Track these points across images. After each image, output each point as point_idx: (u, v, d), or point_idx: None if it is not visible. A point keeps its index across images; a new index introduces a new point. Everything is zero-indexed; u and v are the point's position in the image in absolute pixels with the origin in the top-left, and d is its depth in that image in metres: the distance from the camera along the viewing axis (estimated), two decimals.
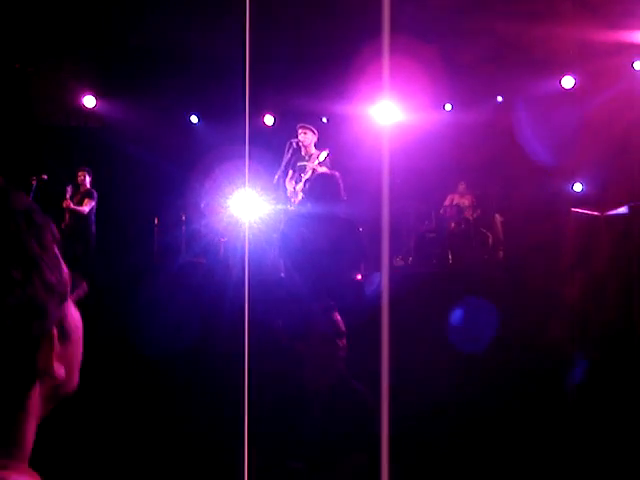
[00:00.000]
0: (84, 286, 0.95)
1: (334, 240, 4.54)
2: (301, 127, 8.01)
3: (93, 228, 9.40)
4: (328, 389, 3.28)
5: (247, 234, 8.08)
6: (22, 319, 0.79)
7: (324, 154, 7.72)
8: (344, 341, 3.46)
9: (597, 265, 3.58)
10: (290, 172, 7.94)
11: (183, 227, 10.29)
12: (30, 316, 0.80)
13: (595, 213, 3.88)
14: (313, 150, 7.95)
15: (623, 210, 3.65)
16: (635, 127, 8.41)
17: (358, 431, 2.97)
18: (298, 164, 7.94)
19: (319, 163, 7.66)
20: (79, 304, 0.95)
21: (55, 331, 0.85)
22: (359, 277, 5.26)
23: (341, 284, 4.45)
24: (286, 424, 3.22)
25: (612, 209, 4.06)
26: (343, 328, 3.51)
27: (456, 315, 4.82)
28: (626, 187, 7.91)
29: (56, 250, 0.87)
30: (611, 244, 3.57)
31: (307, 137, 7.94)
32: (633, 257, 3.29)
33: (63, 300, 0.87)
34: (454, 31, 8.78)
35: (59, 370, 0.86)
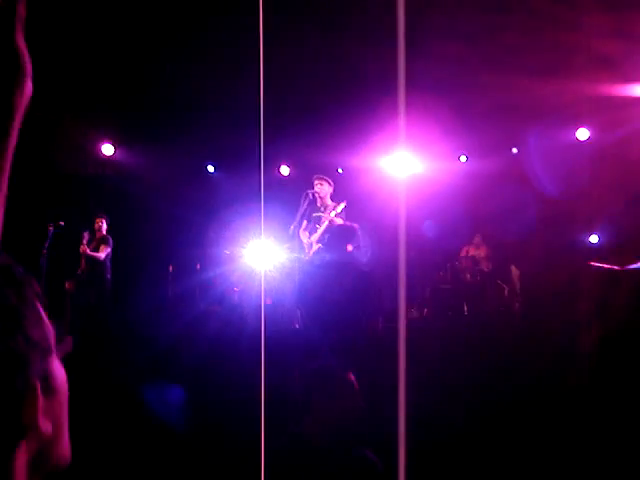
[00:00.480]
0: (69, 341, 0.94)
1: (351, 291, 4.53)
2: (317, 178, 8.07)
3: (108, 274, 9.44)
4: (338, 451, 3.23)
5: (262, 283, 8.07)
6: (4, 372, 0.78)
7: (342, 206, 7.75)
8: (357, 400, 3.43)
9: (614, 316, 3.55)
10: (305, 222, 7.96)
11: (197, 276, 10.30)
12: (12, 369, 0.79)
13: (614, 267, 3.86)
14: (329, 201, 7.98)
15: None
16: None
17: None
18: (313, 215, 7.96)
19: (336, 214, 7.69)
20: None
21: (39, 385, 0.83)
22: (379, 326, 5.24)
23: (358, 334, 4.42)
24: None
25: (628, 261, 4.03)
26: (357, 387, 3.48)
27: None
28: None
29: (38, 305, 0.86)
30: (628, 296, 3.54)
31: (323, 188, 7.98)
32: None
33: (46, 354, 0.86)
34: (469, 84, 8.86)
35: (45, 425, 0.84)
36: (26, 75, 1.11)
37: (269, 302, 5.82)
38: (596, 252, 9.79)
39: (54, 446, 0.87)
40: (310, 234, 7.88)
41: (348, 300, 4.50)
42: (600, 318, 3.83)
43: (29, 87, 1.12)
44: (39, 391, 0.83)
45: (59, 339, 0.90)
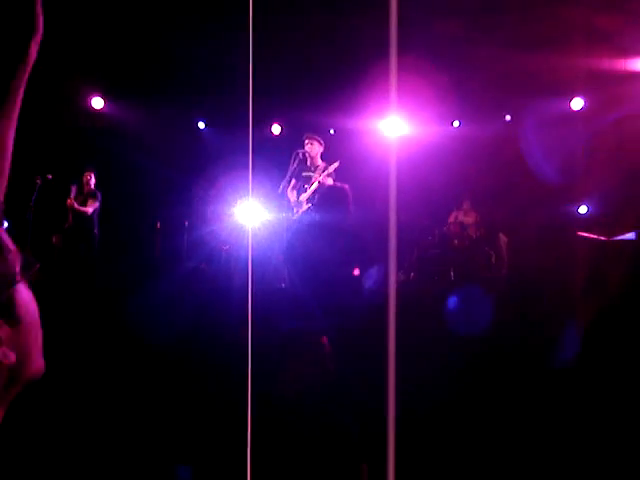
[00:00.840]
0: (36, 267, 0.91)
1: (340, 251, 4.53)
2: (307, 137, 8.00)
3: (96, 229, 9.39)
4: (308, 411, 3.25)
5: (250, 242, 8.06)
6: None
7: (334, 166, 7.70)
8: (325, 364, 3.44)
9: (608, 289, 3.57)
10: (293, 181, 7.92)
11: (185, 233, 10.27)
12: None
13: (602, 238, 3.86)
14: (319, 161, 7.93)
15: (630, 236, 3.63)
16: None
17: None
18: (303, 174, 7.92)
19: (328, 174, 7.64)
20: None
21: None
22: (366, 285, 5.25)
23: (345, 293, 4.43)
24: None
25: (618, 233, 4.03)
26: (328, 350, 3.49)
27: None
28: (632, 210, 7.91)
29: (1, 232, 0.85)
30: (622, 266, 3.55)
31: (313, 148, 7.92)
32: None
33: (10, 282, 0.85)
34: (463, 54, 8.80)
35: (10, 355, 0.84)
36: (38, 35, 1.17)
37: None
38: (585, 222, 9.84)
39: (23, 369, 0.87)
40: (299, 193, 7.84)
41: (337, 260, 4.50)
42: (594, 289, 3.85)
43: (35, 50, 1.17)
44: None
45: (26, 267, 0.88)
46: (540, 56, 8.32)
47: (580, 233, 4.27)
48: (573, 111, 10.18)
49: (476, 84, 9.75)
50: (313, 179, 7.75)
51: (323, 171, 7.72)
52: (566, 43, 8.02)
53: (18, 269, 0.87)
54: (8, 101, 1.11)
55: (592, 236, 4.14)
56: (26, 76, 1.13)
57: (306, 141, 7.96)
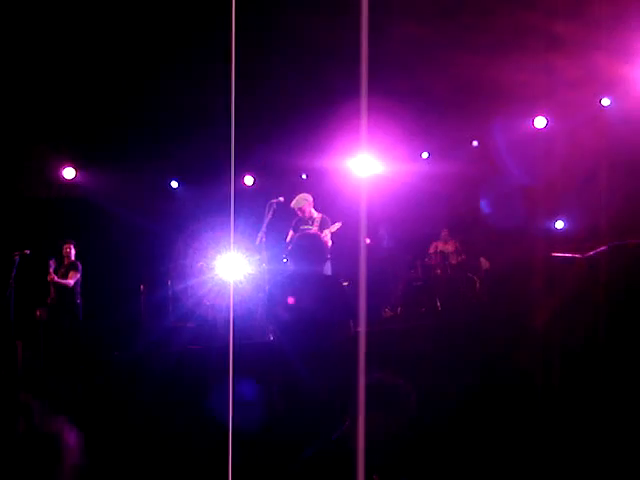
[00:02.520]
0: None
1: (321, 299, 4.54)
2: (297, 208, 8.12)
3: (78, 299, 9.35)
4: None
5: (232, 296, 8.06)
6: None
7: (337, 226, 7.86)
8: None
9: (565, 294, 3.61)
10: (291, 233, 8.05)
11: (170, 291, 10.25)
12: None
13: (576, 255, 3.92)
14: (315, 214, 8.09)
15: (600, 250, 3.69)
16: (603, 162, 8.53)
17: None
18: (301, 227, 8.00)
19: (330, 231, 7.80)
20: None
21: None
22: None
23: (332, 342, 4.43)
24: None
25: (590, 246, 4.09)
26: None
27: None
28: (603, 223, 7.99)
29: None
30: (579, 277, 3.61)
31: (303, 209, 8.10)
32: (600, 289, 3.32)
33: None
34: (426, 69, 8.89)
35: None
36: None
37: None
38: (562, 238, 9.92)
39: None
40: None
41: (317, 308, 4.51)
42: (552, 297, 3.88)
43: None
44: None
45: None
46: (501, 67, 8.41)
47: (554, 254, 4.32)
48: (537, 129, 10.32)
49: (441, 111, 9.87)
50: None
51: (320, 224, 7.86)
52: (526, 52, 8.11)
53: None
54: None
55: (566, 255, 4.19)
56: None
57: (296, 209, 8.10)
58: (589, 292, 3.45)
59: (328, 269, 7.80)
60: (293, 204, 8.06)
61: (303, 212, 8.05)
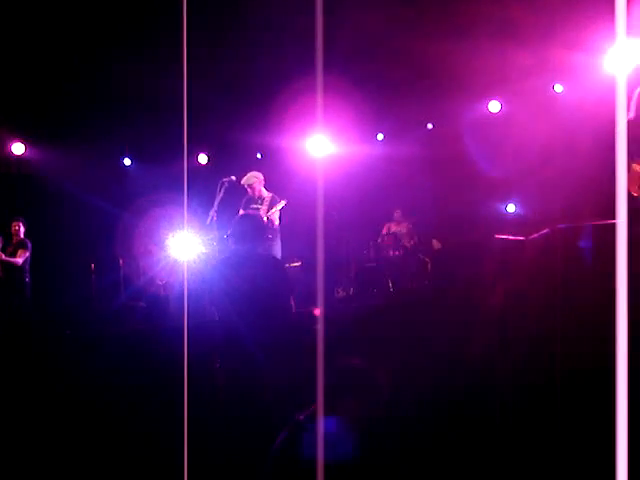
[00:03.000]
0: None
1: (259, 278, 4.59)
2: (244, 184, 8.04)
3: (27, 278, 9.21)
4: None
5: (185, 276, 8.02)
6: None
7: (282, 204, 7.79)
8: None
9: (518, 278, 3.69)
10: (241, 212, 7.98)
11: (121, 271, 10.16)
12: None
13: (519, 238, 3.99)
14: (265, 193, 8.00)
15: (543, 233, 3.76)
16: (556, 148, 8.67)
17: None
18: (251, 206, 7.95)
19: (278, 210, 7.75)
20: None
21: None
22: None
23: (270, 322, 4.47)
24: None
25: (536, 230, 4.16)
26: None
27: None
28: (551, 207, 8.15)
29: None
30: (532, 260, 3.68)
31: (254, 187, 7.99)
32: (554, 272, 3.39)
33: None
34: (382, 55, 8.93)
35: None
36: None
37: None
38: (512, 221, 10.08)
39: None
40: None
41: (256, 288, 4.55)
42: (505, 281, 3.95)
43: None
44: None
45: None
46: (455, 54, 8.47)
47: (497, 235, 4.39)
48: (491, 113, 10.43)
49: (395, 93, 9.92)
50: (261, 212, 7.78)
51: (269, 204, 7.79)
52: (480, 39, 8.19)
53: None
54: None
55: (509, 237, 4.26)
56: None
57: (246, 187, 8.00)
58: (537, 275, 3.52)
59: (278, 249, 7.79)
60: (243, 181, 7.98)
61: (253, 190, 7.97)
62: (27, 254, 9.18)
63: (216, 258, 7.37)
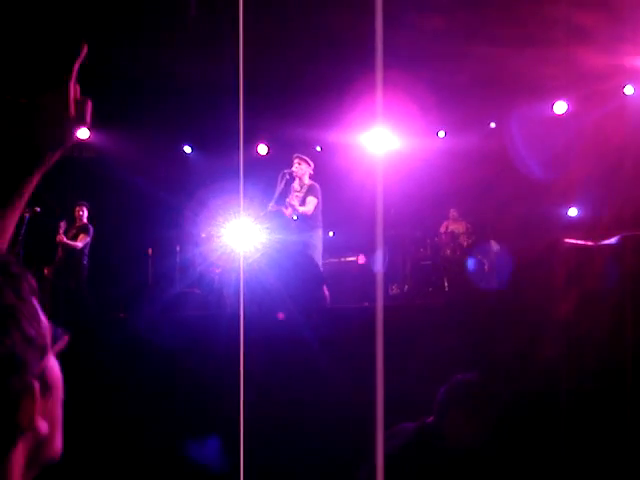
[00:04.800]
0: (65, 338, 0.92)
1: (289, 272, 4.64)
2: (297, 157, 7.99)
3: (85, 261, 9.36)
4: None
5: (242, 265, 8.03)
6: (1, 372, 0.77)
7: (305, 189, 7.77)
8: None
9: (589, 285, 3.57)
10: (276, 194, 7.95)
11: (177, 257, 10.25)
12: (9, 369, 0.78)
13: (589, 243, 3.86)
14: (307, 181, 7.93)
15: (614, 240, 3.63)
16: (626, 152, 8.44)
17: None
18: (293, 194, 7.92)
19: (303, 197, 7.72)
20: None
21: (37, 385, 0.82)
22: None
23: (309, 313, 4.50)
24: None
25: (605, 236, 4.03)
26: None
27: None
28: (618, 212, 7.93)
29: (34, 302, 0.85)
30: (603, 268, 3.56)
31: (301, 168, 7.92)
32: (625, 281, 3.28)
33: (43, 353, 0.84)
34: (446, 57, 8.83)
35: (42, 425, 0.83)
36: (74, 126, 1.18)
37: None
38: (574, 225, 9.85)
39: (49, 442, 0.86)
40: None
41: (288, 282, 4.61)
42: (575, 289, 3.83)
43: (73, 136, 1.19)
44: (37, 392, 0.82)
45: (55, 336, 0.89)
46: (522, 56, 8.34)
47: (567, 240, 4.26)
48: (556, 114, 10.21)
49: (460, 91, 9.78)
50: (298, 199, 7.76)
51: (306, 192, 7.76)
52: (548, 42, 8.04)
53: (49, 340, 0.87)
54: (22, 193, 1.15)
55: (579, 242, 4.13)
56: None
57: (295, 161, 7.96)
58: (612, 282, 3.40)
59: (317, 238, 7.72)
60: (294, 167, 7.94)
61: (297, 173, 7.88)
62: (88, 239, 9.33)
63: (258, 252, 7.36)
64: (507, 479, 2.94)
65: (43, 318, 0.86)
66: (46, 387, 0.85)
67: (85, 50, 1.22)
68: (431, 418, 2.92)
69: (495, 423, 2.81)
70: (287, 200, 7.72)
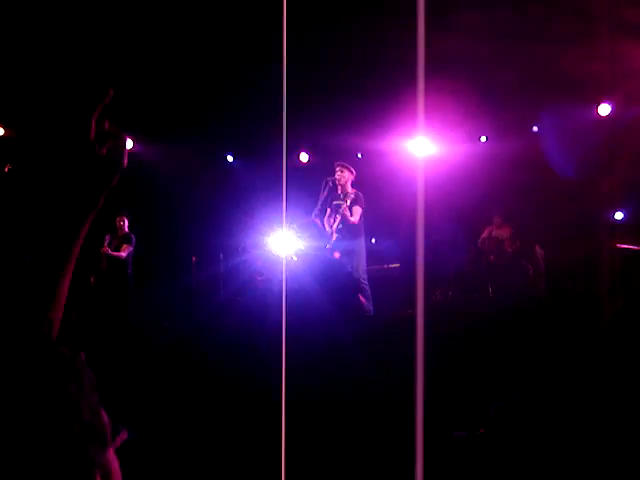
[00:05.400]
0: (124, 433, 0.92)
1: (322, 281, 4.70)
2: (339, 165, 8.03)
3: (130, 270, 9.49)
4: None
5: (284, 271, 8.06)
6: (65, 463, 0.78)
7: (352, 197, 7.79)
8: None
9: (637, 289, 3.51)
10: (328, 210, 7.96)
11: (221, 265, 10.33)
12: (73, 462, 0.79)
13: (637, 248, 3.80)
14: (349, 189, 7.96)
15: None
16: None
17: None
18: (334, 203, 7.94)
19: (348, 206, 7.73)
20: None
21: (99, 478, 0.83)
22: None
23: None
24: None
25: None
26: None
27: None
28: None
29: (95, 397, 0.87)
30: None
31: (343, 175, 7.96)
32: None
33: (104, 446, 0.85)
34: (488, 59, 8.75)
35: None
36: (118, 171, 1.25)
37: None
38: (621, 229, 9.66)
39: None
40: (333, 222, 7.88)
41: (321, 290, 4.65)
42: (622, 291, 3.77)
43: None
44: None
45: (115, 433, 0.90)
46: (566, 55, 8.21)
47: (619, 245, 4.19)
48: (601, 117, 10.04)
49: (501, 96, 9.68)
50: (342, 207, 7.77)
51: (351, 201, 7.77)
52: (592, 39, 7.90)
53: (109, 435, 0.88)
54: (77, 241, 1.20)
55: (631, 247, 4.06)
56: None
57: (337, 169, 8.00)
58: None
59: (361, 246, 7.75)
60: (336, 175, 7.98)
61: (340, 180, 7.93)
62: (131, 249, 9.46)
63: (322, 255, 7.40)
64: None
65: (103, 413, 0.87)
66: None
67: (111, 94, 1.26)
68: (482, 430, 2.91)
69: (546, 444, 2.79)
70: (341, 210, 7.75)
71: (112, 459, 0.88)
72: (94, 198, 1.22)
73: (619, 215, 10.17)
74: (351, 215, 7.70)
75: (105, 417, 0.87)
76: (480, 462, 2.80)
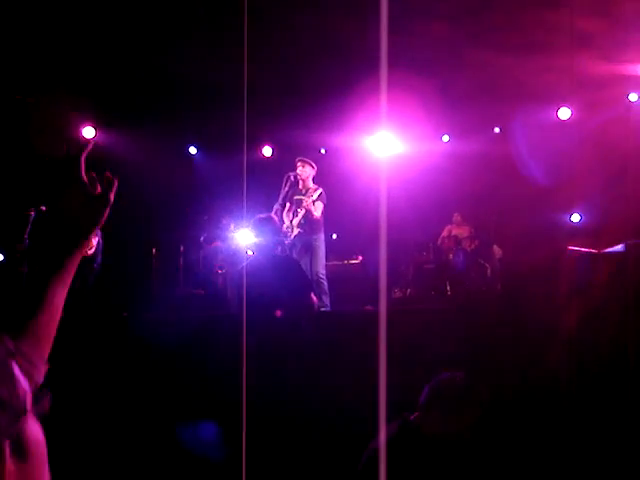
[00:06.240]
0: (46, 401, 0.89)
1: (279, 278, 4.77)
2: (300, 161, 8.06)
3: (96, 263, 9.35)
4: None
5: (245, 265, 8.07)
6: None
7: (317, 193, 7.81)
8: None
9: (594, 295, 3.58)
10: (287, 205, 7.97)
11: (181, 258, 10.26)
12: None
13: (592, 251, 3.88)
14: (311, 184, 8.00)
15: (619, 248, 3.64)
16: (630, 158, 8.45)
17: None
18: (295, 197, 7.96)
19: (313, 201, 7.76)
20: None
21: (8, 448, 0.80)
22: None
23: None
24: None
25: (608, 242, 4.05)
26: None
27: None
28: (622, 219, 7.94)
29: (11, 364, 0.84)
30: (607, 277, 3.56)
31: (305, 170, 7.99)
32: (628, 290, 3.29)
33: (18, 416, 0.82)
34: (451, 63, 8.85)
35: None
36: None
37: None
38: (577, 232, 9.84)
39: None
40: (293, 216, 7.89)
41: (279, 288, 4.71)
42: (580, 294, 3.85)
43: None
44: (8, 454, 0.80)
45: (36, 400, 0.87)
46: (526, 63, 8.35)
47: (570, 247, 4.27)
48: (560, 120, 10.21)
49: (464, 96, 9.78)
50: (303, 203, 7.80)
51: (313, 196, 7.80)
52: (551, 48, 8.05)
53: (28, 403, 0.85)
54: (67, 273, 1.33)
55: (582, 249, 4.15)
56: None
57: (298, 164, 8.02)
58: (617, 292, 3.41)
59: (321, 242, 7.81)
60: (298, 170, 8.00)
61: (301, 175, 7.96)
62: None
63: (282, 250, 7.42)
64: (481, 477, 2.96)
65: (20, 380, 0.84)
66: (21, 452, 0.83)
67: (91, 145, 1.44)
68: (415, 414, 2.94)
69: (475, 423, 2.84)
70: (304, 204, 7.76)
71: (31, 427, 0.85)
72: (89, 226, 1.39)
73: (576, 217, 10.35)
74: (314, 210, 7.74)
75: (23, 385, 0.84)
76: (410, 448, 2.81)
